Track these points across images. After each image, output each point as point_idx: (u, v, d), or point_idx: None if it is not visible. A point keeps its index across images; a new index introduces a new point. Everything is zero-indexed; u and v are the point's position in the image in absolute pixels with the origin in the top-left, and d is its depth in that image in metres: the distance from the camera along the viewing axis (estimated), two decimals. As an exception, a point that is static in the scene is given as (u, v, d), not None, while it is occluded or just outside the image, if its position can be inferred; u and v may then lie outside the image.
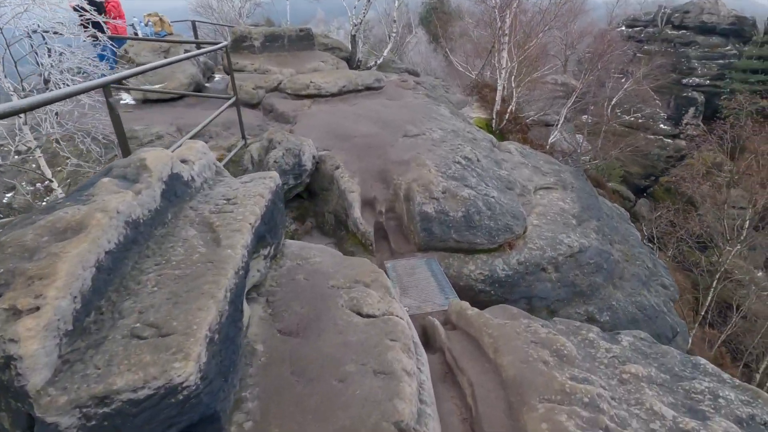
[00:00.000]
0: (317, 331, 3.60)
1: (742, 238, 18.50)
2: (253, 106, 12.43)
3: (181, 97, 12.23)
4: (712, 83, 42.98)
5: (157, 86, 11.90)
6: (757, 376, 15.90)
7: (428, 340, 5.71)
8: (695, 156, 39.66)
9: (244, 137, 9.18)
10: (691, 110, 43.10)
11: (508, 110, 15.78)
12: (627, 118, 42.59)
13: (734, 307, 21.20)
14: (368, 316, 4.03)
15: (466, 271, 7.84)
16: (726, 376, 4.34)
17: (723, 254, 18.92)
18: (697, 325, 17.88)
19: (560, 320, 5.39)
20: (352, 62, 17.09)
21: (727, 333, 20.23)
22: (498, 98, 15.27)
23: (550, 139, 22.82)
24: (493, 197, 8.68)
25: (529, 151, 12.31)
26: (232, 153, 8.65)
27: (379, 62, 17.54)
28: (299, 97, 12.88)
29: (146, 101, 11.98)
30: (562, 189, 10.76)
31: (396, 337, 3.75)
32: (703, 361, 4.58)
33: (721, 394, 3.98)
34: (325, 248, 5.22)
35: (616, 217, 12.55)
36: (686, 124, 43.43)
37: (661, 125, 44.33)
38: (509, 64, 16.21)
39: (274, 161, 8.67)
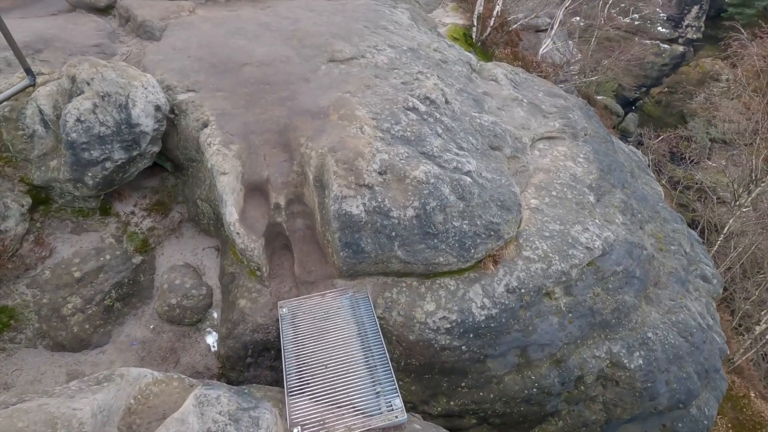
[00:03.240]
0: None
1: (765, 183, 15.41)
2: (101, 10, 7.77)
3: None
4: (721, -25, 37.05)
5: None
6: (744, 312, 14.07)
7: None
8: (692, 64, 35.55)
9: (28, 72, 4.97)
10: (695, 9, 37.60)
11: (494, 13, 11.28)
12: (624, 20, 37.21)
13: (719, 228, 18.99)
14: None
15: (420, 315, 4.47)
16: None
17: (739, 199, 16.07)
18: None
19: None
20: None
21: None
22: (481, -5, 10.70)
23: (542, 50, 18.31)
24: (468, 173, 5.02)
25: (524, 77, 8.32)
26: (-4, 106, 4.56)
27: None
28: (178, -5, 8.18)
29: None
30: (572, 138, 7.08)
31: None
32: None
33: None
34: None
35: (636, 169, 9.10)
36: (687, 26, 38.24)
37: (660, 28, 39.03)
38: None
39: (77, 120, 4.64)
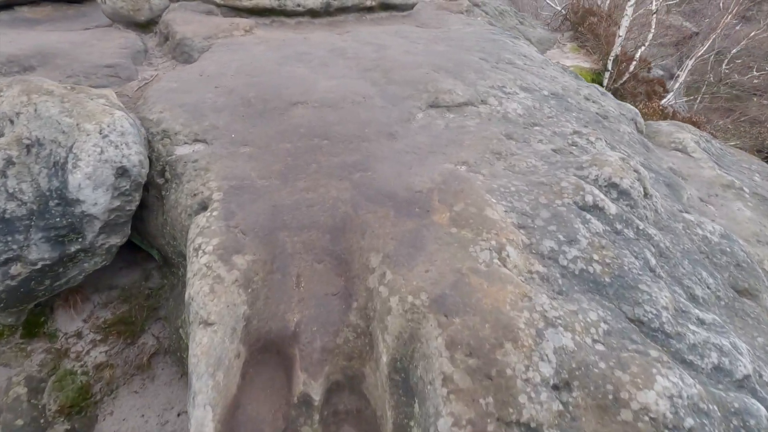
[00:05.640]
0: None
1: None
2: (142, 26, 6.00)
3: None
4: None
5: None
6: None
7: None
8: (827, 131, 29.57)
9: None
10: (834, 69, 31.66)
11: (635, 57, 8.38)
12: (740, 77, 32.18)
13: None
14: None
15: None
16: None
17: None
18: None
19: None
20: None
21: None
22: (622, 32, 7.87)
23: (662, 102, 14.92)
24: (746, 381, 2.06)
25: (718, 146, 5.26)
26: None
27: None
28: (236, 11, 6.26)
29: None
30: None
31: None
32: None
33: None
34: None
35: None
36: (822, 88, 32.22)
37: (784, 88, 33.31)
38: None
39: (-31, 187, 2.40)
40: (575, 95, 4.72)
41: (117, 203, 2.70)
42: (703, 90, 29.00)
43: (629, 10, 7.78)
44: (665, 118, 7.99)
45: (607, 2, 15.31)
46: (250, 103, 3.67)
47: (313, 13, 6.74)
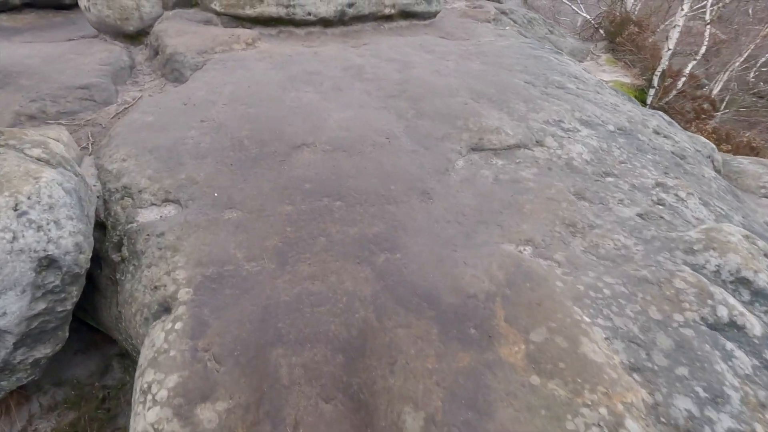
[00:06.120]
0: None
1: None
2: (131, 37, 5.22)
3: None
4: None
5: None
6: None
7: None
8: None
9: None
10: None
11: (685, 72, 7.41)
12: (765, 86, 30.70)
13: None
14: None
15: None
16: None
17: None
18: None
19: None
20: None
21: None
22: (672, 45, 6.90)
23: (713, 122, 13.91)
24: None
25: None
26: None
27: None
28: (239, 21, 5.45)
29: None
30: None
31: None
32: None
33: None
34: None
35: None
36: None
37: (814, 98, 31.68)
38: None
39: None
40: (643, 128, 3.81)
41: (41, 306, 1.88)
42: (727, 99, 27.51)
43: (680, 21, 6.82)
44: (719, 142, 7.03)
45: (637, 9, 14.25)
46: (242, 145, 2.83)
47: (325, 23, 5.92)
